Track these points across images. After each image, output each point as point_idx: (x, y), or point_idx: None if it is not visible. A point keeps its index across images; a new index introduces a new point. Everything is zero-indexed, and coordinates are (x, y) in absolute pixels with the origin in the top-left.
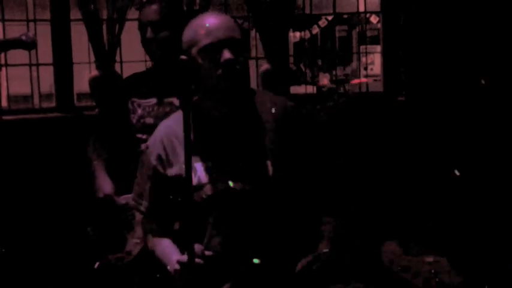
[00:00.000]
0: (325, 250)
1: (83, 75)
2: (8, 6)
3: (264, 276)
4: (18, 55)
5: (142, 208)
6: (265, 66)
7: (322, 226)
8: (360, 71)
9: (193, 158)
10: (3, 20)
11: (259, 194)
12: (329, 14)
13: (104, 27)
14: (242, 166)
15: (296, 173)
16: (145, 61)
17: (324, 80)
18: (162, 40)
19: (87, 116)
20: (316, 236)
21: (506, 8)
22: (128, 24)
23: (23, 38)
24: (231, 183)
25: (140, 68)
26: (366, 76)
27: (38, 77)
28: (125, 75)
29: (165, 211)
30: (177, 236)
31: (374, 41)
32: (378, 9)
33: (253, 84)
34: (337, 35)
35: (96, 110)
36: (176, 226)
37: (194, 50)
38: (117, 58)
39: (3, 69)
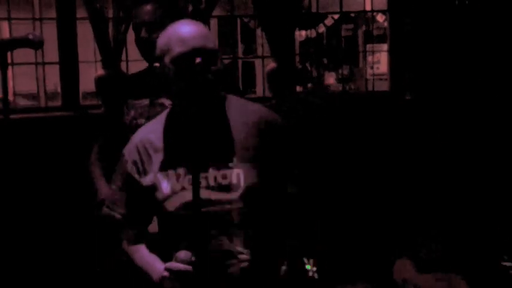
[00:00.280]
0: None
1: (89, 74)
2: (14, 5)
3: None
4: (24, 54)
5: (117, 215)
6: (271, 65)
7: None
8: (366, 69)
9: (163, 168)
10: (10, 19)
11: (226, 203)
12: (335, 13)
13: (110, 25)
14: (209, 174)
15: (266, 184)
16: None
17: (330, 79)
18: (156, 41)
19: (93, 114)
20: (275, 253)
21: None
22: None
23: (30, 36)
24: (199, 194)
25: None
26: (373, 75)
27: (44, 75)
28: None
29: (141, 219)
30: (154, 244)
31: (380, 39)
32: (385, 8)
33: (259, 83)
34: (343, 33)
35: (102, 108)
36: (153, 232)
37: (167, 58)
38: (123, 57)
39: (9, 67)
